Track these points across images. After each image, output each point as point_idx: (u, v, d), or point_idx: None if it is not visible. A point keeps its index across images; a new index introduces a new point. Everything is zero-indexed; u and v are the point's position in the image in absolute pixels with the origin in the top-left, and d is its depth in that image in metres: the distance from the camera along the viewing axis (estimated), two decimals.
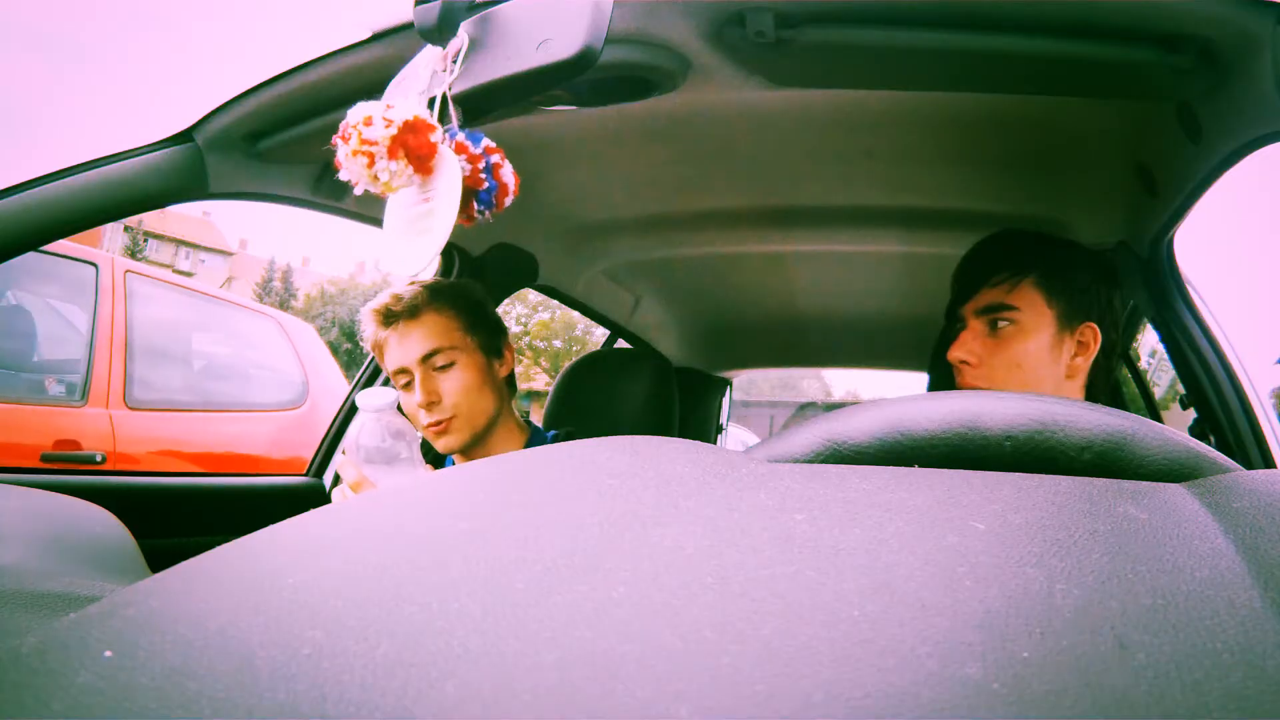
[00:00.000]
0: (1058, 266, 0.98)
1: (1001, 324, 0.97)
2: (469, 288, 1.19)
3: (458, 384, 1.11)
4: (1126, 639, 0.18)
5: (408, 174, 0.64)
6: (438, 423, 1.10)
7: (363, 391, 0.97)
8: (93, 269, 2.66)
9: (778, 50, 0.81)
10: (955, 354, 0.98)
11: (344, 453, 1.13)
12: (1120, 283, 1.12)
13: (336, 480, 1.55)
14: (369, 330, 1.14)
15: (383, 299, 1.13)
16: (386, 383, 1.53)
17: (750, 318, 2.16)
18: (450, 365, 1.11)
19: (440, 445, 1.13)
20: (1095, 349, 0.98)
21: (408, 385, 1.11)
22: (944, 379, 1.32)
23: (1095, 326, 0.98)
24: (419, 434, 1.02)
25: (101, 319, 2.63)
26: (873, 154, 1.19)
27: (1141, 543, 0.24)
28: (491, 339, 1.17)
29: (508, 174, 0.70)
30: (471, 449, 1.15)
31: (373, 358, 1.55)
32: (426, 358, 1.10)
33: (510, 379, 1.22)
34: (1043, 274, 0.97)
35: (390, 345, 1.12)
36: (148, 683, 0.18)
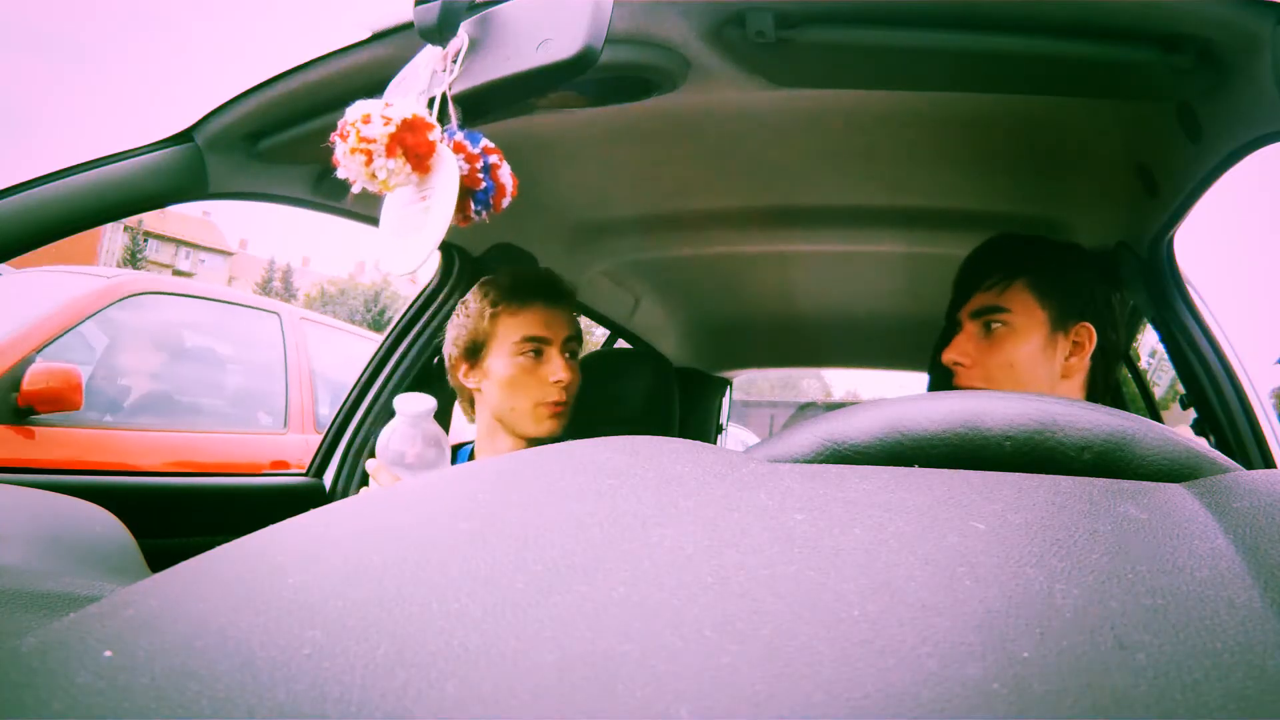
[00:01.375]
0: (1050, 268, 1.00)
1: (994, 326, 0.99)
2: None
3: (577, 373, 1.15)
4: (1126, 639, 0.18)
5: (405, 172, 0.64)
6: (562, 404, 1.13)
7: (401, 395, 0.96)
8: (276, 317, 3.22)
9: (778, 50, 0.81)
10: (949, 356, 1.02)
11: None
12: (1120, 282, 1.12)
13: (365, 481, 1.54)
14: (506, 293, 1.14)
15: (526, 271, 1.18)
16: (384, 383, 1.52)
17: (750, 318, 2.16)
18: (577, 354, 1.17)
19: (546, 429, 1.14)
20: (1091, 348, 0.99)
21: (537, 354, 1.13)
22: (944, 379, 1.33)
23: (1090, 326, 0.99)
24: (448, 444, 1.01)
25: (290, 358, 3.18)
26: (873, 154, 1.19)
27: (1141, 543, 0.24)
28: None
29: (505, 175, 0.70)
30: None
31: (376, 353, 1.55)
32: (569, 340, 1.15)
33: None
34: (1034, 276, 0.99)
35: (536, 312, 1.13)
36: (148, 683, 0.18)
